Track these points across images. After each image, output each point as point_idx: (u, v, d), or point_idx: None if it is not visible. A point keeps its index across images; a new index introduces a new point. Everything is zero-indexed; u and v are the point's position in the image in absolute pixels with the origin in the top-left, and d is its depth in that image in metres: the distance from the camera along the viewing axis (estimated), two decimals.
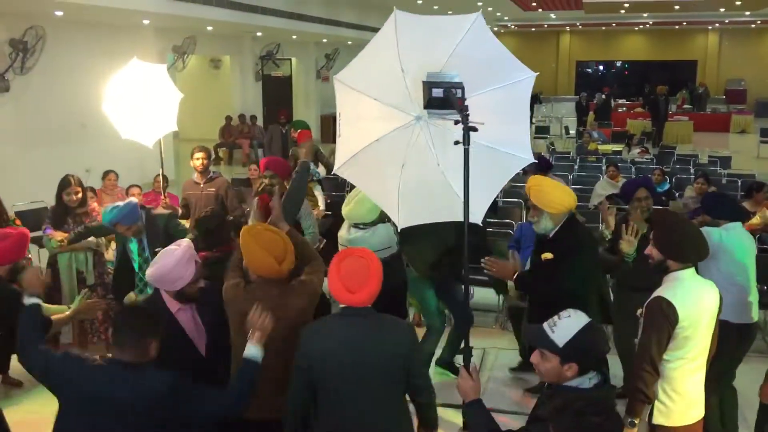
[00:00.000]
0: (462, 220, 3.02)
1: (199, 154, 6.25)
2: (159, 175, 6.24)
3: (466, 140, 2.85)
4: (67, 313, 3.81)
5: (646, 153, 14.96)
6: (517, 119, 3.35)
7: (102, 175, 7.30)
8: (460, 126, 2.87)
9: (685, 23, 30.33)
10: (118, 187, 7.43)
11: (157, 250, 4.03)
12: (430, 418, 3.05)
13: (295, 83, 21.27)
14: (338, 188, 9.35)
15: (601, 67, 36.90)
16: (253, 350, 2.84)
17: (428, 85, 2.98)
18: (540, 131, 21.00)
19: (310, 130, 10.59)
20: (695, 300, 3.05)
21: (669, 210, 6.73)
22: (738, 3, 22.22)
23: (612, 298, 5.07)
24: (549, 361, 2.37)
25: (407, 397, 2.99)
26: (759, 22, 28.31)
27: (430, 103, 2.99)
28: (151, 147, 5.62)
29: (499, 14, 27.23)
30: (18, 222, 5.37)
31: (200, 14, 12.32)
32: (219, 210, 5.59)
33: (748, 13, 25.77)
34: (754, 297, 4.36)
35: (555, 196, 3.88)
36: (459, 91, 2.94)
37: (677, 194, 8.98)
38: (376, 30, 3.33)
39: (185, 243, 3.35)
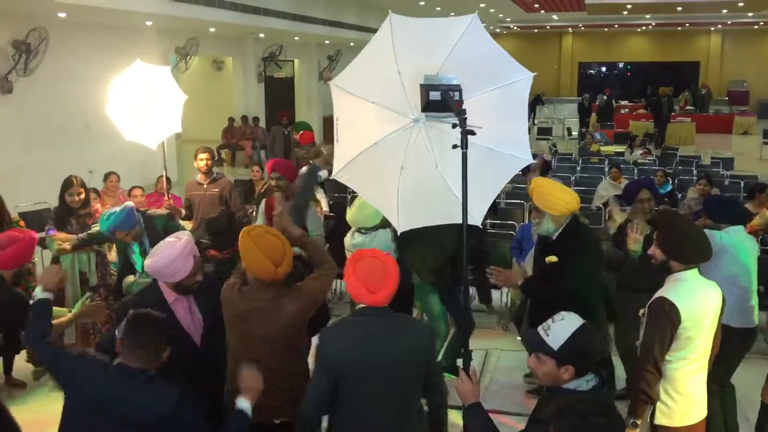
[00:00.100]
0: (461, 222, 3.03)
1: (203, 155, 6.27)
2: (162, 176, 6.25)
3: (464, 143, 2.84)
4: (69, 316, 3.81)
5: (649, 154, 14.94)
6: (515, 120, 3.35)
7: (103, 176, 7.31)
8: (458, 129, 2.86)
9: (687, 24, 30.31)
10: (120, 189, 7.43)
11: None
12: (441, 419, 3.06)
13: (298, 85, 21.28)
14: (341, 190, 9.33)
15: (603, 69, 36.89)
16: (244, 404, 2.85)
17: (425, 88, 2.98)
18: (542, 132, 21.00)
19: (313, 131, 10.63)
20: (698, 300, 3.05)
21: (672, 211, 6.72)
22: (741, 4, 22.20)
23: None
24: (545, 364, 2.37)
25: None
26: (762, 23, 28.29)
27: (428, 106, 2.99)
28: (154, 149, 5.63)
29: (501, 15, 27.25)
30: (21, 223, 5.38)
31: (203, 16, 12.34)
32: (228, 211, 5.60)
33: (750, 14, 25.73)
34: (755, 301, 4.36)
35: (556, 197, 3.87)
36: (456, 93, 2.95)
37: (680, 195, 8.96)
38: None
39: (185, 236, 3.36)
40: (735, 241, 4.31)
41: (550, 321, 2.42)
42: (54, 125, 11.08)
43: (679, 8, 23.97)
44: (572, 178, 11.21)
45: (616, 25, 31.32)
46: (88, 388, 2.68)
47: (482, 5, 20.84)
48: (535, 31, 33.31)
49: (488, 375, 5.54)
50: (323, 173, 6.85)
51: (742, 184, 10.41)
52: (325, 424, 2.93)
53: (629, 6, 23.23)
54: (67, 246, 5.23)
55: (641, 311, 3.19)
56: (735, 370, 4.37)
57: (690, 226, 3.22)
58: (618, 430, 2.07)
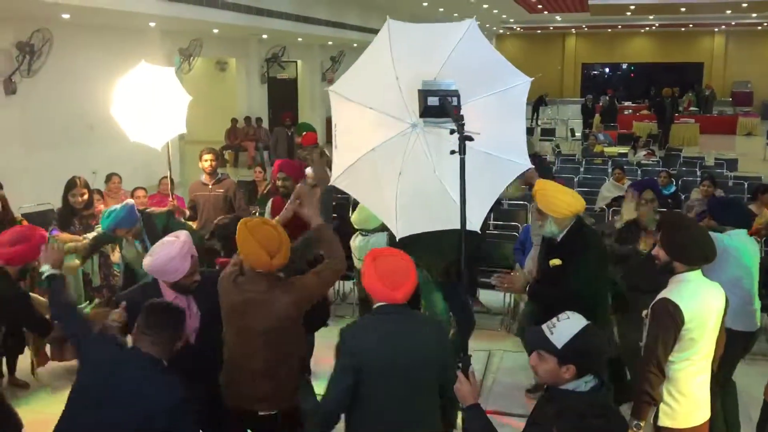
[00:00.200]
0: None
1: (208, 156, 6.32)
2: (165, 177, 6.26)
3: (462, 149, 2.84)
4: None
5: (652, 155, 14.91)
6: (513, 125, 3.36)
7: (105, 178, 7.31)
8: (456, 135, 2.87)
9: (691, 25, 30.29)
10: (123, 190, 7.44)
11: None
12: (453, 415, 3.07)
13: (301, 86, 21.30)
14: (344, 191, 9.31)
15: (606, 70, 36.88)
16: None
17: (423, 94, 2.98)
18: (545, 133, 20.99)
19: (316, 132, 10.62)
20: (701, 302, 3.04)
21: (677, 212, 6.72)
22: (744, 5, 22.18)
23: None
24: (547, 362, 2.37)
25: None
26: (765, 24, 28.27)
27: (426, 112, 2.99)
28: (159, 149, 5.64)
29: (504, 16, 27.22)
30: (25, 223, 5.39)
31: (206, 17, 12.36)
32: (239, 216, 5.60)
33: (754, 15, 25.70)
34: (757, 304, 4.37)
35: (559, 200, 3.85)
36: (454, 99, 2.95)
37: (683, 197, 8.95)
38: None
39: (183, 235, 3.37)
40: (738, 244, 4.30)
41: (555, 319, 2.42)
42: (57, 126, 11.10)
43: (683, 9, 23.94)
44: (575, 179, 11.21)
45: (620, 26, 31.32)
46: (104, 367, 2.73)
47: (485, 6, 20.81)
48: (539, 32, 33.31)
49: (491, 376, 5.54)
50: None
51: (746, 186, 10.38)
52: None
53: (632, 7, 23.23)
54: (76, 262, 5.23)
55: (644, 312, 3.19)
56: (734, 370, 4.37)
57: (694, 227, 3.22)
58: (619, 431, 2.07)
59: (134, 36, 12.77)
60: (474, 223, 3.22)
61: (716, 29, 31.36)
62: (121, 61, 6.46)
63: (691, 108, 25.59)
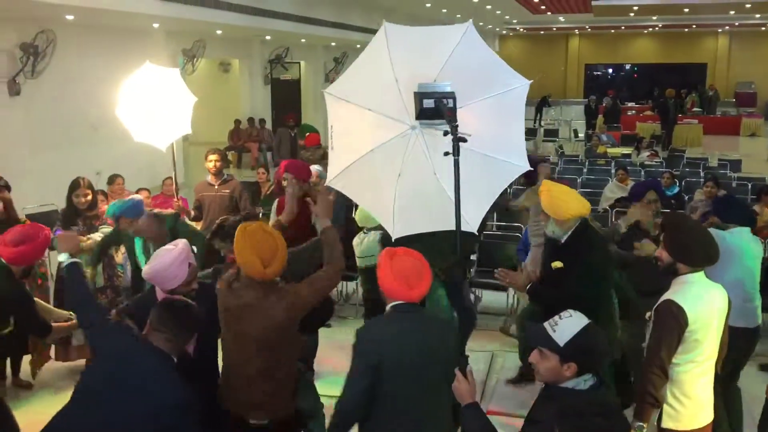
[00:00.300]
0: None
1: (213, 156, 6.34)
2: (169, 178, 6.27)
3: (456, 150, 2.84)
4: (74, 321, 3.81)
5: (656, 156, 14.89)
6: (511, 127, 3.36)
7: (108, 179, 7.32)
8: (451, 137, 2.87)
9: (694, 26, 30.24)
10: (126, 191, 7.46)
11: None
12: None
13: (304, 87, 21.31)
14: None
15: (610, 70, 36.83)
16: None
17: (419, 96, 3.00)
18: (549, 134, 20.98)
19: (319, 133, 10.63)
20: (705, 303, 3.04)
21: (680, 213, 6.71)
22: (748, 6, 22.13)
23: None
24: (548, 360, 2.37)
25: None
26: None
27: (422, 114, 3.00)
28: (164, 150, 5.65)
29: (507, 17, 27.21)
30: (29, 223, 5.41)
31: (210, 18, 12.38)
32: (251, 215, 5.61)
33: (758, 15, 25.65)
34: (758, 301, 4.38)
35: (562, 203, 3.77)
36: (450, 101, 2.95)
37: (687, 197, 8.94)
38: None
39: (182, 243, 3.36)
40: (739, 241, 4.31)
41: (557, 317, 2.42)
42: (61, 127, 11.11)
43: (686, 9, 23.91)
44: (579, 180, 11.20)
45: (623, 27, 31.29)
46: (114, 358, 2.73)
47: (488, 7, 20.83)
48: (542, 32, 33.26)
49: (494, 376, 5.53)
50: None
51: (750, 186, 10.38)
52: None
53: (636, 7, 23.20)
54: (96, 239, 5.29)
55: (648, 314, 3.18)
56: (740, 371, 4.37)
57: (697, 228, 3.22)
58: (620, 430, 2.07)
59: (138, 37, 12.79)
60: (472, 224, 3.22)
61: (719, 30, 31.31)
62: (125, 63, 6.48)
63: (695, 109, 25.55)
